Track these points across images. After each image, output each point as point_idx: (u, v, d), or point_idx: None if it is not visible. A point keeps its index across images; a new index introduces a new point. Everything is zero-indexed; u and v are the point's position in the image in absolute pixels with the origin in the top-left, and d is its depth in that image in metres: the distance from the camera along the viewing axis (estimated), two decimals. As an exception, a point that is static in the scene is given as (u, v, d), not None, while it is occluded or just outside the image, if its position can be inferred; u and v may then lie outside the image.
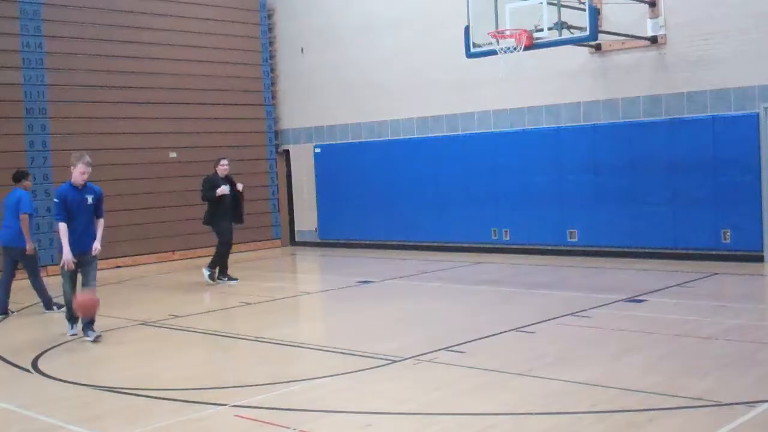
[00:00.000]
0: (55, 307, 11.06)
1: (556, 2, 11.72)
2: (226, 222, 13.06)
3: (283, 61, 19.35)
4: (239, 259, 16.87)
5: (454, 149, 16.16)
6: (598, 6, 12.88)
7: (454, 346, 7.90)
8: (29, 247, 10.88)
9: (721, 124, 12.98)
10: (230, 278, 13.17)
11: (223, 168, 13.16)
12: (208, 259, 13.42)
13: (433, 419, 5.85)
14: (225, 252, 13.16)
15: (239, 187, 13.28)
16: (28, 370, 7.84)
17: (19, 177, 11.25)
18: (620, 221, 14.06)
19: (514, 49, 11.94)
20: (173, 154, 17.28)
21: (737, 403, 5.78)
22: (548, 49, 12.60)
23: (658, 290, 10.70)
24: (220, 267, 13.15)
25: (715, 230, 13.12)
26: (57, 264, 15.43)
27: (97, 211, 9.40)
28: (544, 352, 7.64)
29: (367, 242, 17.07)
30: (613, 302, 9.94)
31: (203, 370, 7.72)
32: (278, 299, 11.74)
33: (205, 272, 13.08)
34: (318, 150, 18.62)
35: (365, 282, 12.64)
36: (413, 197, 16.76)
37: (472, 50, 12.84)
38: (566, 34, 11.94)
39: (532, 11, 11.94)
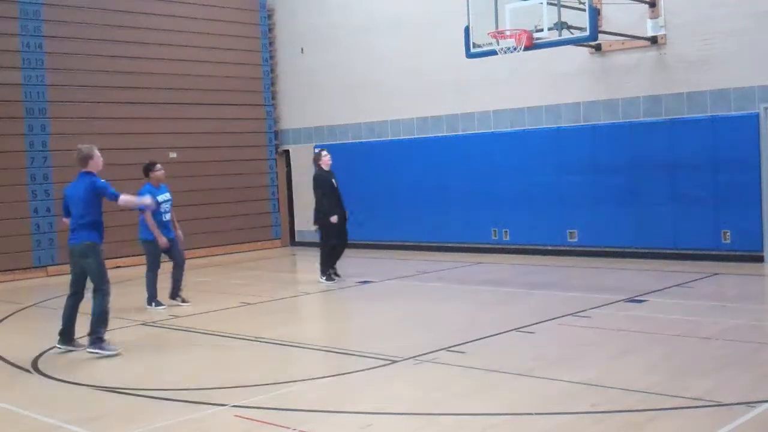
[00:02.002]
0: (153, 304, 10.92)
1: (556, 2, 11.72)
2: (334, 222, 12.41)
3: (283, 61, 19.35)
4: (239, 259, 16.89)
5: (454, 149, 16.16)
6: (598, 6, 12.87)
7: (454, 346, 7.90)
8: (161, 241, 10.68)
9: (721, 124, 12.98)
10: (335, 273, 12.77)
11: (326, 160, 12.57)
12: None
13: (433, 419, 5.85)
14: (330, 251, 12.61)
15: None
16: (28, 370, 7.84)
17: (145, 170, 11.12)
18: (620, 221, 14.06)
19: (514, 49, 11.94)
20: (173, 154, 17.27)
21: (737, 403, 5.77)
22: (548, 49, 12.61)
23: (658, 290, 10.70)
24: (330, 264, 12.69)
25: (715, 230, 13.11)
26: (57, 264, 15.58)
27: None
28: (544, 352, 7.63)
29: (367, 242, 17.05)
30: (613, 302, 9.94)
31: (203, 370, 7.72)
32: (278, 299, 11.74)
33: (322, 280, 12.57)
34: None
35: (365, 282, 12.64)
36: (413, 197, 16.76)
37: (472, 50, 12.84)
38: (566, 34, 11.93)
39: (532, 11, 11.94)
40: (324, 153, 12.71)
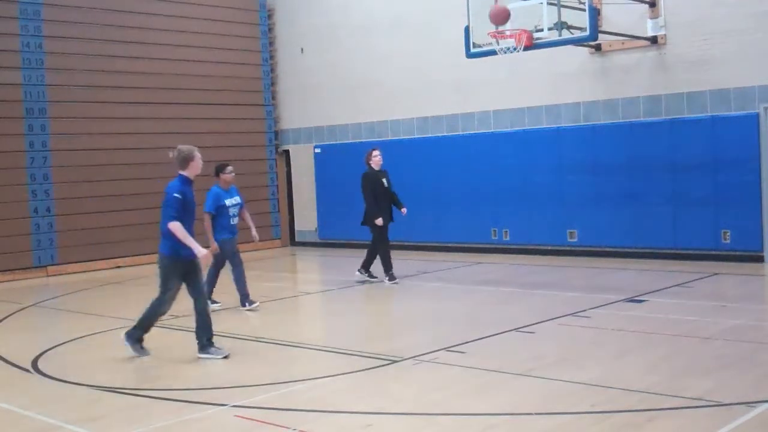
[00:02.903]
0: (247, 304, 10.60)
1: (556, 2, 11.72)
2: (379, 225, 12.21)
3: (283, 61, 19.35)
4: (239, 259, 16.87)
5: (454, 149, 16.15)
6: (598, 6, 12.87)
7: (454, 346, 7.90)
8: (212, 246, 10.11)
9: (721, 124, 12.98)
10: (371, 275, 12.54)
11: (377, 159, 12.31)
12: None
13: (433, 419, 5.85)
14: (381, 250, 12.35)
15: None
16: (28, 370, 7.84)
17: (217, 171, 10.67)
18: (620, 221, 14.06)
19: (514, 49, 11.94)
20: (173, 154, 17.24)
21: (737, 403, 5.77)
22: (548, 49, 12.61)
23: (658, 290, 10.70)
24: (366, 264, 12.55)
25: (715, 230, 13.11)
26: (57, 264, 15.59)
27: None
28: (544, 352, 7.63)
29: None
30: (613, 302, 9.94)
31: (203, 370, 7.71)
32: (278, 299, 11.74)
33: (388, 282, 12.23)
34: (318, 150, 18.63)
35: (365, 282, 12.63)
36: (413, 197, 16.68)
37: (472, 50, 12.84)
38: (566, 34, 11.93)
39: (532, 11, 11.94)
40: (375, 153, 12.40)
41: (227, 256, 10.51)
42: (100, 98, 16.36)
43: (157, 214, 17.51)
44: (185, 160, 8.24)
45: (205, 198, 10.36)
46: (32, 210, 15.40)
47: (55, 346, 8.89)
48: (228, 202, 10.46)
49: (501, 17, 11.70)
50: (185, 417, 6.10)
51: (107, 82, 16.48)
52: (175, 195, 8.01)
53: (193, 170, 8.24)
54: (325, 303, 11.78)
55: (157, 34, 17.28)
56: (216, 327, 9.51)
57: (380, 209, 12.19)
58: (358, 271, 12.65)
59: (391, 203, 12.41)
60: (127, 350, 8.10)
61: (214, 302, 10.55)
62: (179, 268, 7.98)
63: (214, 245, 10.18)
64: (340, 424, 5.85)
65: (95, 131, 16.28)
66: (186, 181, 8.19)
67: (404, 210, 12.48)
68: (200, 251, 7.86)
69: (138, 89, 16.86)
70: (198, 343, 8.04)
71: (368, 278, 12.56)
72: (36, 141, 15.50)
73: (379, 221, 12.12)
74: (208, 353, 7.97)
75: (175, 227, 7.83)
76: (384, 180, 12.35)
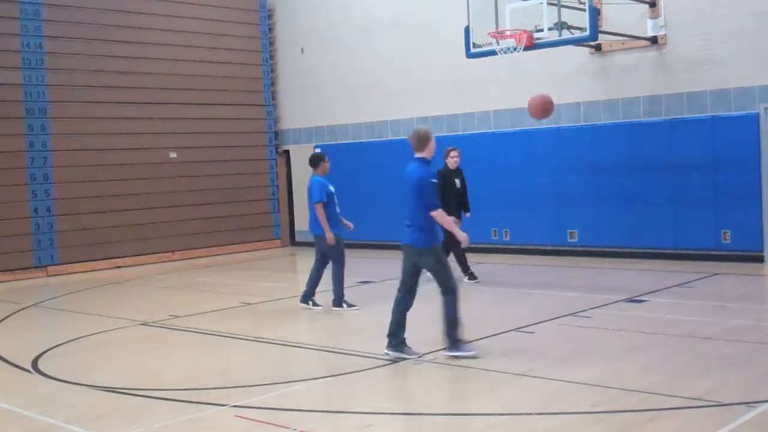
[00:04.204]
0: (344, 305, 10.36)
1: (556, 2, 11.72)
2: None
3: (283, 61, 19.35)
4: (240, 259, 16.89)
5: (454, 149, 16.12)
6: (598, 6, 12.87)
7: (454, 346, 7.89)
8: (329, 237, 10.04)
9: (721, 124, 12.98)
10: (472, 277, 12.20)
11: (453, 160, 12.15)
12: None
13: (433, 419, 5.85)
14: (461, 251, 12.01)
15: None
16: (28, 370, 7.84)
17: (314, 161, 10.58)
18: (620, 221, 14.06)
19: (514, 49, 11.95)
20: (173, 154, 17.29)
21: (737, 403, 5.78)
22: (548, 49, 12.61)
23: (658, 290, 10.70)
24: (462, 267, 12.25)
25: (715, 230, 13.11)
26: (57, 264, 15.59)
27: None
28: (544, 352, 7.63)
29: (368, 242, 17.05)
30: (613, 302, 9.94)
31: (203, 370, 7.72)
32: (278, 299, 11.74)
33: (465, 280, 11.98)
34: (318, 150, 18.61)
35: (365, 282, 12.64)
36: (413, 197, 16.75)
37: (472, 50, 12.85)
38: (566, 34, 11.94)
39: (532, 11, 11.94)
40: (453, 153, 12.23)
41: (339, 251, 10.30)
42: (100, 98, 16.37)
43: (157, 214, 17.49)
44: (423, 141, 7.64)
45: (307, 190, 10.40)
46: (32, 210, 15.40)
47: (55, 346, 8.89)
48: (332, 188, 10.44)
49: (541, 111, 10.92)
50: (185, 417, 6.10)
51: (107, 82, 16.48)
52: (433, 181, 7.61)
53: (429, 151, 7.68)
54: (326, 303, 11.77)
55: (157, 34, 17.29)
56: (216, 326, 9.56)
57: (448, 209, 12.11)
58: (465, 277, 12.13)
59: (460, 204, 12.21)
60: (400, 355, 7.53)
61: (316, 305, 10.49)
62: (441, 254, 7.60)
63: (331, 236, 10.10)
64: (340, 424, 5.85)
65: (95, 131, 16.28)
66: (427, 164, 7.73)
67: (467, 214, 12.34)
68: (463, 237, 7.74)
69: (138, 89, 16.87)
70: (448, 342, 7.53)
71: (470, 280, 12.14)
72: (36, 141, 15.51)
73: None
74: (459, 351, 7.43)
75: (439, 215, 7.51)
76: (457, 180, 12.24)
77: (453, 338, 7.51)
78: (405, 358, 7.50)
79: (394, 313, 7.71)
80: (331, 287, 10.40)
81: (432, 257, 7.59)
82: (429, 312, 10.18)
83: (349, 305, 10.41)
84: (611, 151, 14.14)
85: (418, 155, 7.72)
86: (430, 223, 7.60)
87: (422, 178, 7.58)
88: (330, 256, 10.39)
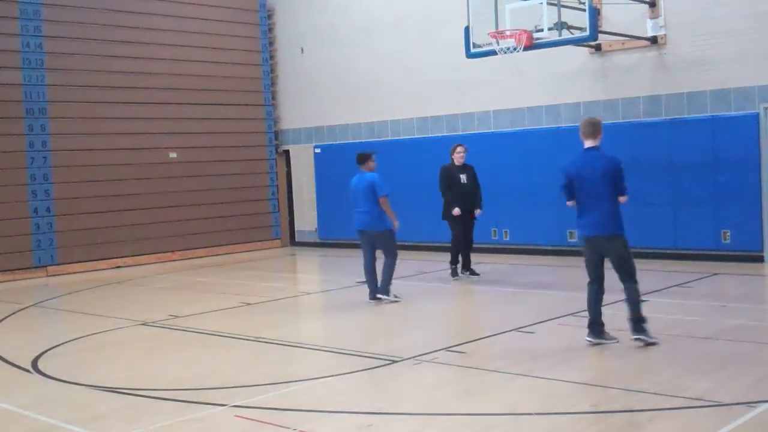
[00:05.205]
0: (391, 295, 10.67)
1: (556, 2, 11.72)
2: (459, 218, 12.28)
3: (283, 61, 19.35)
4: (239, 259, 16.89)
5: (454, 149, 16.12)
6: (598, 6, 12.87)
7: (454, 346, 7.90)
8: (396, 224, 10.60)
9: (721, 124, 12.97)
10: (473, 273, 12.50)
11: (459, 156, 12.36)
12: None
13: (433, 419, 5.85)
14: (456, 246, 12.43)
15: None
16: (28, 370, 7.84)
17: (362, 159, 10.73)
18: (620, 221, 14.03)
19: (514, 49, 11.95)
20: (173, 154, 17.28)
21: (737, 403, 5.77)
22: (548, 49, 12.60)
23: (658, 290, 10.69)
24: (463, 262, 12.54)
25: (715, 230, 13.11)
26: (57, 264, 15.59)
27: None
28: (544, 352, 7.63)
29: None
30: (613, 302, 9.92)
31: (203, 370, 7.72)
32: (278, 299, 11.74)
33: (469, 275, 12.46)
34: (318, 150, 18.62)
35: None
36: (413, 197, 16.73)
37: (472, 50, 12.84)
38: (566, 34, 11.94)
39: (532, 11, 11.94)
40: (459, 149, 12.43)
41: (395, 245, 10.75)
42: (100, 98, 16.36)
43: (157, 214, 17.51)
44: (599, 129, 8.18)
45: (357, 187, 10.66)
46: (32, 210, 15.40)
47: (55, 346, 8.89)
48: None
49: None
50: (185, 417, 6.10)
51: (107, 82, 16.47)
52: (622, 166, 8.11)
53: (600, 138, 8.19)
54: (325, 303, 11.78)
55: (157, 34, 17.28)
56: (216, 326, 9.56)
57: (454, 202, 12.25)
58: (461, 273, 12.47)
59: (467, 200, 12.36)
60: (599, 343, 7.66)
61: (397, 297, 10.70)
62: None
63: (398, 223, 10.59)
64: (340, 424, 5.85)
65: (95, 131, 16.27)
66: (599, 151, 8.20)
67: (478, 211, 12.52)
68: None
69: (138, 89, 16.86)
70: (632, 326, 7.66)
71: (471, 275, 12.46)
72: (36, 141, 15.50)
73: (456, 211, 12.18)
74: (645, 335, 7.55)
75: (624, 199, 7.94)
76: (462, 176, 12.36)
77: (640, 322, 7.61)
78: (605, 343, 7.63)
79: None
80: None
81: (620, 243, 8.24)
82: (429, 312, 10.18)
83: (395, 297, 10.62)
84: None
85: (591, 145, 8.13)
86: (618, 209, 8.24)
87: (613, 163, 8.17)
88: (386, 250, 10.71)
